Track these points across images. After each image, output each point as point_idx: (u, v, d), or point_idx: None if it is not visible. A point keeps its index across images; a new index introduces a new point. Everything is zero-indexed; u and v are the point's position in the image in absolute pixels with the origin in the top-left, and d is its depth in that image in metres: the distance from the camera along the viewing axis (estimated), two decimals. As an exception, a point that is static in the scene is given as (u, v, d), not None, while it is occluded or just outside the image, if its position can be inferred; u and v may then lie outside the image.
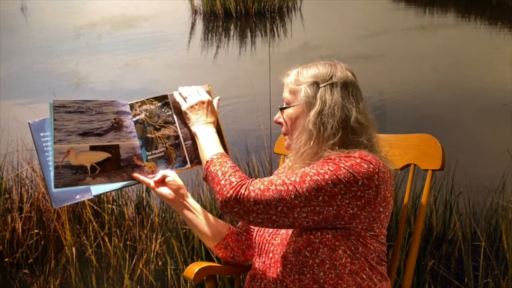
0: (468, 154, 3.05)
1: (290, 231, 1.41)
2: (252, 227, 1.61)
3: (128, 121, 1.54)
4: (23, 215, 2.93)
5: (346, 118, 1.38)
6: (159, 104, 1.59)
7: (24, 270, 2.84)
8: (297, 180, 1.31)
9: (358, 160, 1.31)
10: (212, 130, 1.54)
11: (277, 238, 1.46)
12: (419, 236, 1.59)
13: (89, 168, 1.47)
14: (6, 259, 2.87)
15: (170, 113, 1.59)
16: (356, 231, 1.35)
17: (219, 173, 1.39)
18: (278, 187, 1.31)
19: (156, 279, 2.70)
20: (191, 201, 1.61)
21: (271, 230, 1.49)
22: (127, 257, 2.72)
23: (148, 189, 2.63)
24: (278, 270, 1.41)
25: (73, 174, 1.44)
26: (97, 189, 1.52)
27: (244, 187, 1.33)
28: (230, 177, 1.36)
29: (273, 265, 1.44)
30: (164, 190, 1.57)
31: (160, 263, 2.72)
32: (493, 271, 2.55)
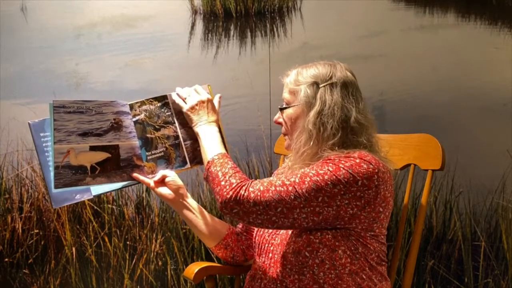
0: (468, 154, 3.04)
1: (290, 231, 1.41)
2: (252, 227, 1.61)
3: (128, 121, 1.54)
4: (23, 215, 2.93)
5: (346, 118, 1.38)
6: (159, 104, 1.59)
7: (24, 270, 2.84)
8: (297, 181, 1.31)
9: (357, 161, 1.31)
10: (214, 129, 1.54)
11: (277, 238, 1.46)
12: (419, 236, 1.60)
13: (89, 168, 1.47)
14: (6, 259, 2.87)
15: (169, 113, 1.59)
16: (356, 231, 1.35)
17: (220, 174, 1.39)
18: (277, 188, 1.31)
19: (156, 279, 2.70)
20: (190, 201, 1.61)
21: (271, 230, 1.49)
22: (127, 257, 2.72)
23: (148, 189, 2.63)
24: (278, 270, 1.41)
25: (73, 174, 1.44)
26: (97, 189, 1.52)
27: (244, 188, 1.33)
28: (230, 178, 1.36)
29: (273, 265, 1.44)
30: (163, 190, 1.57)
31: (160, 263, 2.72)
32: (493, 271, 2.55)
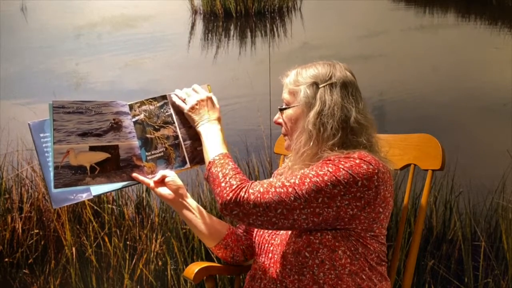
0: (468, 154, 3.04)
1: (289, 232, 1.41)
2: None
3: (128, 122, 1.54)
4: (23, 215, 2.93)
5: (346, 118, 1.38)
6: (158, 104, 1.59)
7: (24, 270, 2.84)
8: (297, 182, 1.31)
9: (357, 161, 1.31)
10: (215, 128, 1.53)
11: (276, 238, 1.46)
12: (419, 236, 1.59)
13: (88, 168, 1.47)
14: (6, 259, 2.87)
15: (169, 113, 1.59)
16: (356, 231, 1.35)
17: (220, 175, 1.38)
18: (277, 190, 1.31)
19: (156, 279, 2.70)
20: (190, 201, 1.61)
21: (270, 230, 1.49)
22: (127, 257, 2.72)
23: (148, 189, 2.63)
24: (278, 270, 1.41)
25: (73, 174, 1.44)
26: (97, 189, 1.52)
27: (244, 190, 1.33)
28: (231, 180, 1.35)
29: (272, 265, 1.44)
30: (163, 190, 1.57)
31: (160, 263, 2.72)
32: (493, 271, 2.55)
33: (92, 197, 1.52)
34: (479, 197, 2.78)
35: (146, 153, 1.57)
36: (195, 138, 1.59)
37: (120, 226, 2.85)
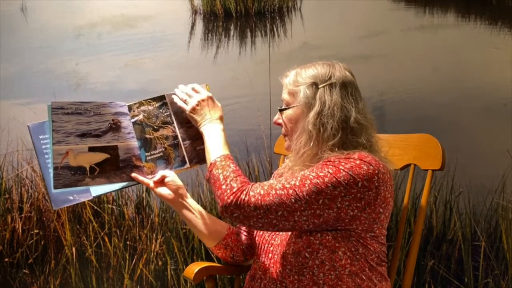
0: (468, 154, 3.04)
1: (290, 232, 1.41)
2: (252, 227, 1.61)
3: (127, 122, 1.54)
4: (23, 215, 2.93)
5: (346, 118, 1.38)
6: (157, 104, 1.59)
7: (24, 270, 2.84)
8: (297, 183, 1.30)
9: (357, 162, 1.31)
10: (217, 128, 1.52)
11: (276, 239, 1.46)
12: (419, 236, 1.59)
13: (88, 169, 1.47)
14: (6, 259, 2.87)
15: (168, 113, 1.59)
16: (357, 232, 1.35)
17: (221, 177, 1.38)
18: (278, 192, 1.31)
19: (156, 279, 2.70)
20: (190, 201, 1.61)
21: (270, 231, 1.49)
22: (127, 257, 2.72)
23: (148, 189, 2.62)
24: (278, 271, 1.41)
25: (72, 175, 1.44)
26: (97, 190, 1.52)
27: (244, 192, 1.32)
28: (231, 182, 1.35)
29: (272, 265, 1.44)
30: (163, 191, 1.57)
31: (160, 263, 2.72)
32: (493, 271, 2.55)
33: (92, 197, 1.53)
34: (479, 197, 2.78)
35: (146, 154, 1.57)
36: (195, 138, 1.59)
37: (120, 226, 2.85)
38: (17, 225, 2.88)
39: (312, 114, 1.39)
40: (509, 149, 2.84)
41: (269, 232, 1.50)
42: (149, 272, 2.69)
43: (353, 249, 1.35)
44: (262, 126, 3.12)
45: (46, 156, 1.48)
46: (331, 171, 1.30)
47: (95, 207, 2.91)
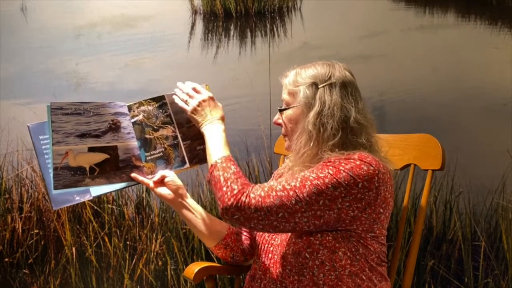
0: (468, 154, 3.05)
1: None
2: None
3: (126, 122, 1.54)
4: (23, 215, 2.93)
5: (346, 118, 1.38)
6: (157, 105, 1.59)
7: (24, 270, 2.84)
8: (297, 185, 1.30)
9: (358, 162, 1.31)
10: (219, 129, 1.51)
11: (277, 239, 1.46)
12: (419, 236, 1.59)
13: (87, 169, 1.47)
14: (6, 259, 2.87)
15: (167, 113, 1.59)
16: (357, 232, 1.35)
17: (222, 179, 1.38)
18: (278, 193, 1.30)
19: (156, 279, 2.70)
20: (190, 201, 1.61)
21: (271, 231, 1.49)
22: (127, 257, 2.72)
23: (148, 189, 2.63)
24: (278, 271, 1.41)
25: (72, 175, 1.44)
26: (97, 190, 1.52)
27: (245, 194, 1.32)
28: (232, 184, 1.35)
29: (272, 265, 1.44)
30: (163, 191, 1.57)
31: (160, 263, 2.72)
32: (493, 271, 2.55)
33: (92, 198, 1.52)
34: (479, 197, 2.78)
35: (146, 154, 1.57)
36: (194, 138, 1.59)
37: (120, 226, 2.85)
38: (17, 225, 2.88)
39: (312, 114, 1.38)
40: (509, 149, 2.84)
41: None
42: (149, 272, 2.69)
43: (353, 250, 1.35)
44: (262, 126, 3.12)
45: (46, 156, 1.48)
46: (331, 172, 1.30)
47: (95, 207, 2.91)
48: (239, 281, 1.72)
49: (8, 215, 2.90)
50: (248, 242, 1.63)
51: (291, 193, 1.30)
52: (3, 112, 3.48)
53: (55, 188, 1.42)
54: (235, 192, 1.33)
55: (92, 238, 2.79)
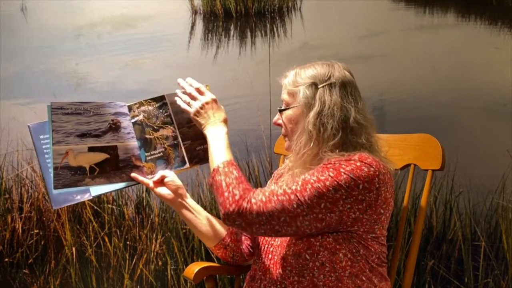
0: (468, 154, 3.05)
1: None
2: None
3: (126, 122, 1.55)
4: (23, 215, 2.93)
5: (346, 118, 1.38)
6: (157, 105, 1.59)
7: (24, 270, 2.84)
8: (298, 188, 1.30)
9: (358, 164, 1.30)
10: (221, 132, 1.50)
11: (277, 240, 1.46)
12: (419, 236, 1.59)
13: (88, 169, 1.47)
14: (6, 259, 2.87)
15: (168, 113, 1.59)
16: (358, 233, 1.34)
17: (223, 184, 1.37)
18: (279, 198, 1.30)
19: (156, 279, 2.70)
20: (190, 201, 1.61)
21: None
22: (127, 257, 2.72)
23: (148, 189, 2.63)
24: (278, 272, 1.41)
25: (72, 175, 1.44)
26: (97, 190, 1.52)
27: (246, 200, 1.32)
28: (233, 190, 1.34)
29: (272, 266, 1.44)
30: (163, 191, 1.57)
31: (160, 263, 2.72)
32: (493, 271, 2.55)
33: (91, 197, 1.53)
34: (479, 197, 2.78)
35: (146, 154, 1.57)
36: (194, 138, 1.59)
37: (120, 226, 2.85)
38: (17, 225, 2.89)
39: (312, 114, 1.38)
40: (509, 149, 2.84)
41: (270, 234, 1.49)
42: (149, 272, 2.69)
43: (354, 251, 1.35)
44: (262, 126, 3.12)
45: (46, 156, 1.49)
46: (332, 174, 1.29)
47: (95, 207, 2.91)
48: (239, 281, 1.72)
49: (8, 215, 2.90)
50: (248, 242, 1.63)
51: (292, 197, 1.29)
52: (3, 112, 3.48)
53: (55, 188, 1.42)
54: (236, 197, 1.32)
55: (92, 238, 2.79)
